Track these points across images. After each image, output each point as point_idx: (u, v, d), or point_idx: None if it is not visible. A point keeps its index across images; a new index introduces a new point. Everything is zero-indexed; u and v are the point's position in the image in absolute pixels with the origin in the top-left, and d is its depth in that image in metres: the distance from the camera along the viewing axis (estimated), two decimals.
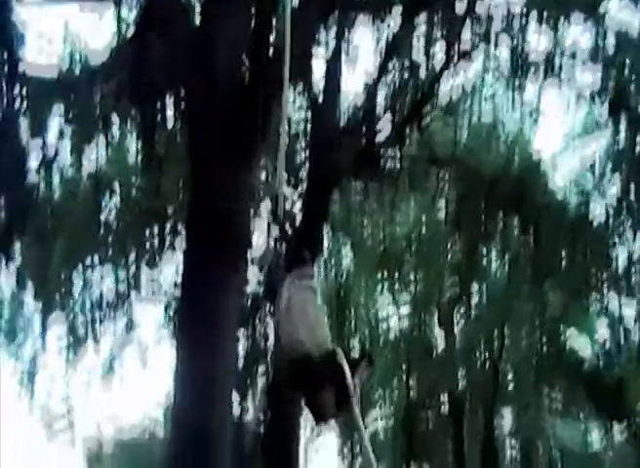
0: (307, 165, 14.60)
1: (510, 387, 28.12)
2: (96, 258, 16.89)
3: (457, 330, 26.50)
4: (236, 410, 15.46)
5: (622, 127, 15.90)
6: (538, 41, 15.55)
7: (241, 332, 17.57)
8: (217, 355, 7.56)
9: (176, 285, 14.77)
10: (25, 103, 11.47)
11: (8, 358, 16.26)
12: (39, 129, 11.87)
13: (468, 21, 14.52)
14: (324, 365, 3.44)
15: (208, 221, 8.04)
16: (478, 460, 27.14)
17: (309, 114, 12.95)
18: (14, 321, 16.13)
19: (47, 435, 16.80)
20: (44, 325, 16.42)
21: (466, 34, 14.60)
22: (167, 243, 17.41)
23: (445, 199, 18.50)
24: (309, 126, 12.84)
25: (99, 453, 16.56)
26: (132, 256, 17.45)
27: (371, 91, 13.96)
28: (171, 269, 17.11)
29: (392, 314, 26.43)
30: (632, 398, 23.61)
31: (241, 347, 17.67)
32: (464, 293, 26.17)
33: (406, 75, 14.36)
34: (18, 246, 14.99)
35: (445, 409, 28.41)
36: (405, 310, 26.92)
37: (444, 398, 27.96)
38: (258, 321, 18.17)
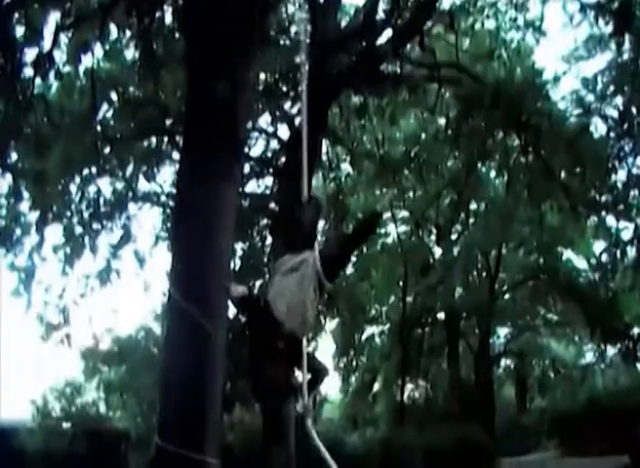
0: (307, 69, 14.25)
1: (506, 304, 28.45)
2: (93, 169, 16.66)
3: (454, 246, 26.62)
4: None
5: (626, 45, 15.43)
6: None
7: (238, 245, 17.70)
8: (211, 258, 7.53)
9: (171, 194, 14.71)
10: None
11: (5, 267, 16.32)
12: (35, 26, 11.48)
13: None
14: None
15: (204, 125, 7.89)
16: (472, 375, 27.73)
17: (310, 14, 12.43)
18: (10, 231, 16.06)
19: (43, 338, 17.01)
20: (41, 235, 16.41)
21: None
22: (164, 154, 17.34)
23: (445, 115, 18.22)
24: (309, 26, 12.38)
25: (94, 351, 16.87)
26: (129, 167, 17.33)
27: None
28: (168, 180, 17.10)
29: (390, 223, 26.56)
30: (625, 313, 23.92)
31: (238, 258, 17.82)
32: (462, 210, 26.21)
33: None
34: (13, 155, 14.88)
35: (441, 325, 28.85)
36: (403, 227, 27.12)
37: (440, 314, 28.37)
38: (255, 233, 18.18)
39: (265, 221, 18.04)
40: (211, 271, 7.30)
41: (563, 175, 17.47)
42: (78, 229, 17.01)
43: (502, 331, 30.65)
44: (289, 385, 4.07)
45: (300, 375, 4.19)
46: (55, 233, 17.08)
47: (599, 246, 23.83)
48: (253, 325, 4.24)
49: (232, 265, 17.24)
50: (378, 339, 29.97)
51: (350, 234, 14.69)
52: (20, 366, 23.78)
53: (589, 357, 30.33)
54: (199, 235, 7.38)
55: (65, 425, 14.32)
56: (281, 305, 4.08)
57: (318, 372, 4.36)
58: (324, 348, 27.62)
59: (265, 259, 17.39)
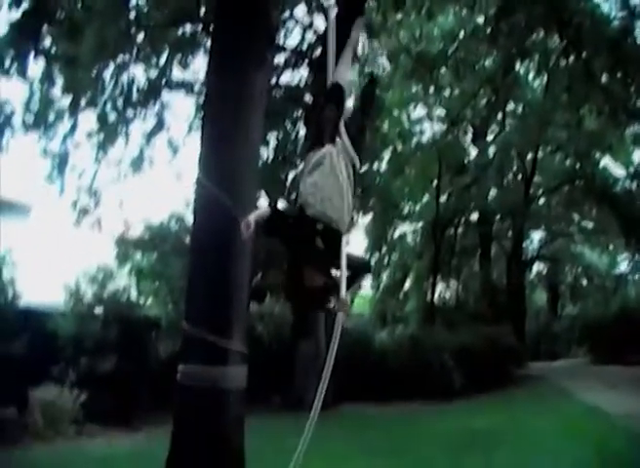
0: None
1: (540, 209, 27.99)
2: (127, 56, 16.22)
3: (490, 147, 26.03)
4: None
5: None
6: None
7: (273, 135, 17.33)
8: (241, 145, 7.25)
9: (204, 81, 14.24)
10: None
11: (38, 153, 16.14)
12: None
13: None
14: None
15: (235, 11, 7.48)
16: (504, 279, 27.56)
17: None
18: (44, 115, 15.76)
19: (76, 223, 17.03)
20: (74, 120, 16.14)
21: None
22: (199, 43, 16.82)
23: (484, 12, 17.25)
24: None
25: (126, 238, 16.89)
26: (163, 55, 16.88)
27: None
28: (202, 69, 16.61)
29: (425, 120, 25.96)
30: None
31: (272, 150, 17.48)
32: (499, 110, 25.50)
33: None
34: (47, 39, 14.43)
35: (474, 226, 28.53)
36: (438, 125, 26.60)
37: (473, 215, 28.00)
38: (289, 124, 17.75)
39: (300, 113, 17.58)
40: (241, 158, 7.20)
41: (604, 78, 16.71)
42: (112, 116, 16.66)
43: (536, 236, 30.46)
44: (328, 291, 3.84)
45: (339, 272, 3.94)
46: (88, 119, 17.07)
47: (638, 155, 23.20)
48: (288, 236, 3.80)
49: (266, 156, 16.95)
50: (410, 238, 29.85)
51: None
52: (53, 251, 24.13)
53: (623, 267, 30.03)
54: (229, 121, 7.22)
55: (97, 310, 14.37)
56: (314, 202, 3.85)
57: (359, 269, 4.12)
58: (356, 244, 27.61)
59: (299, 151, 17.03)
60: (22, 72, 14.05)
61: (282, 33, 17.61)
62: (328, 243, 3.83)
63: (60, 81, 15.68)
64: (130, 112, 17.06)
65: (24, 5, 12.81)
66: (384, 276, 29.60)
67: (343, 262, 3.91)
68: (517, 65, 20.74)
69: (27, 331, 12.87)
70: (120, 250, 16.96)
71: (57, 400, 12.40)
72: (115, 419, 13.17)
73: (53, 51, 15.00)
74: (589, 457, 9.03)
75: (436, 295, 26.67)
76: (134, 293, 15.99)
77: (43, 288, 17.07)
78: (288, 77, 18.46)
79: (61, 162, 16.41)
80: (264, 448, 8.80)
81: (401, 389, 16.41)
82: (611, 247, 29.76)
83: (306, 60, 17.44)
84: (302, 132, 17.40)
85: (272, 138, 17.93)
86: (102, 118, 16.58)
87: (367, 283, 27.68)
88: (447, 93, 24.73)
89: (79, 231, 17.31)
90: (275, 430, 12.43)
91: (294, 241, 3.87)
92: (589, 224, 28.74)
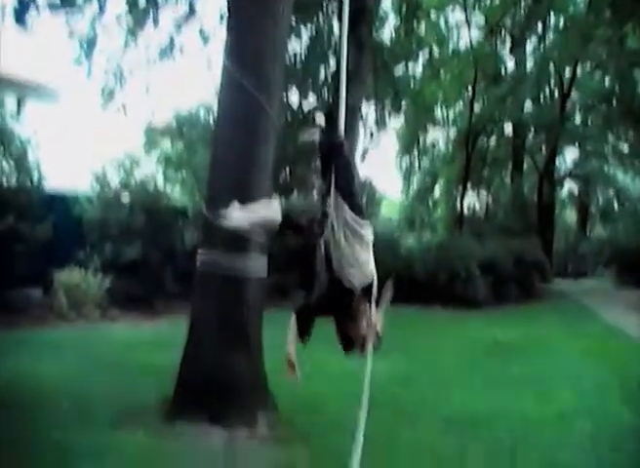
0: None
1: (576, 127, 27.18)
2: None
3: (527, 59, 25.08)
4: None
5: None
6: None
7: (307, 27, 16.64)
8: (268, 31, 6.81)
9: None
10: None
11: (65, 35, 15.57)
12: None
13: None
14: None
15: None
16: (535, 195, 27.05)
17: None
18: None
19: (103, 108, 16.64)
20: (103, 1, 15.46)
21: None
22: None
23: None
24: None
25: (154, 125, 16.57)
26: None
27: None
28: None
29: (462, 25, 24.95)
30: None
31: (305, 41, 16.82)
32: (540, 21, 24.39)
33: None
34: None
35: (507, 139, 27.83)
36: (476, 32, 25.68)
37: (507, 127, 27.27)
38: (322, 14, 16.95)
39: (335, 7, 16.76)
40: (267, 46, 6.86)
41: None
42: (142, 0, 15.94)
43: (569, 154, 29.61)
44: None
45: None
46: (117, 2, 16.30)
47: None
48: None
49: (299, 49, 16.26)
50: (442, 144, 29.19)
51: None
52: (80, 136, 23.92)
53: None
54: (256, 8, 6.83)
55: (123, 197, 14.20)
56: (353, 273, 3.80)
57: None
58: (387, 147, 27.12)
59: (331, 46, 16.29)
60: None
61: None
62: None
63: None
64: None
65: None
66: (414, 181, 29.18)
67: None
68: None
69: (53, 215, 12.81)
70: (148, 137, 16.62)
71: (81, 283, 12.43)
72: (139, 305, 13.27)
73: None
74: (609, 378, 8.90)
75: (465, 205, 26.33)
76: (160, 182, 15.73)
77: (69, 173, 16.90)
78: None
79: (89, 45, 15.85)
80: (282, 340, 8.74)
81: (426, 295, 16.33)
82: None
83: None
84: (336, 27, 16.60)
85: (305, 34, 17.20)
86: (132, 1, 15.87)
87: (396, 187, 27.40)
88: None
89: (107, 118, 16.98)
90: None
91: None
92: (624, 147, 27.89)
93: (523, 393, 8.04)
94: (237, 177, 6.53)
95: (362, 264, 3.80)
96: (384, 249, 17.23)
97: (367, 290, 3.80)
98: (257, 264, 6.62)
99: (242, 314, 6.52)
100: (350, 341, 3.83)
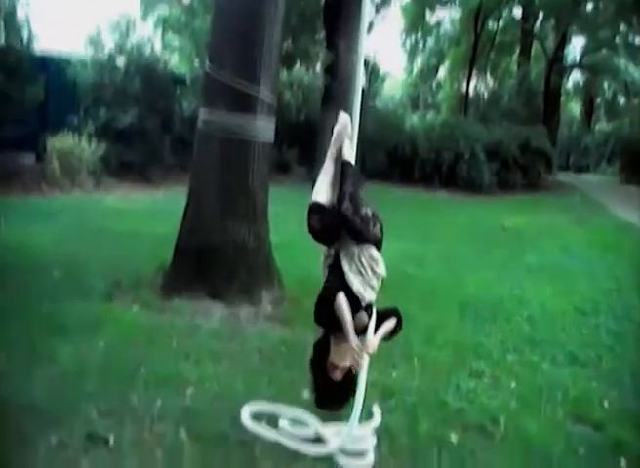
0: None
1: (588, 13, 25.66)
2: None
3: None
4: None
5: None
6: None
7: None
8: None
9: None
10: None
11: None
12: None
13: None
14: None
15: None
16: (542, 83, 25.93)
17: None
18: None
19: None
20: None
21: None
22: None
23: None
24: None
25: None
26: None
27: None
28: None
29: None
30: None
31: None
32: None
33: None
34: None
35: (516, 23, 26.41)
36: None
37: (517, 10, 25.84)
38: None
39: None
40: None
41: None
42: None
43: (579, 43, 28.21)
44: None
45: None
46: None
47: None
48: None
49: None
50: (448, 25, 27.68)
51: None
52: None
53: None
54: None
55: (119, 61, 13.17)
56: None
57: (388, 314, 3.54)
58: (392, 27, 25.67)
59: None
60: None
61: None
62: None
63: None
64: None
65: None
66: (418, 61, 27.90)
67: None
68: None
69: (45, 78, 12.05)
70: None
71: (74, 149, 11.74)
72: (134, 175, 12.68)
73: None
74: (626, 273, 8.39)
75: (471, 87, 25.22)
76: (158, 47, 14.61)
77: (63, 34, 15.75)
78: None
79: None
80: (287, 215, 8.17)
81: (430, 176, 15.70)
82: None
83: None
84: None
85: None
86: None
87: (400, 65, 26.14)
88: None
89: None
90: (298, 200, 11.85)
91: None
92: (636, 39, 26.44)
93: (539, 284, 7.54)
94: (243, 29, 5.69)
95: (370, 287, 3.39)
96: (388, 124, 16.49)
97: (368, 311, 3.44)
98: (264, 127, 5.88)
99: (246, 180, 5.82)
100: (327, 382, 3.39)
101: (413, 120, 18.50)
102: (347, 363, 3.35)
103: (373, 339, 3.35)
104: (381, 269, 3.43)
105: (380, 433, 3.63)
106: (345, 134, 3.72)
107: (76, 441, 3.29)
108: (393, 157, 16.25)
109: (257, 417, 3.67)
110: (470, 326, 5.83)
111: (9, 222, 8.31)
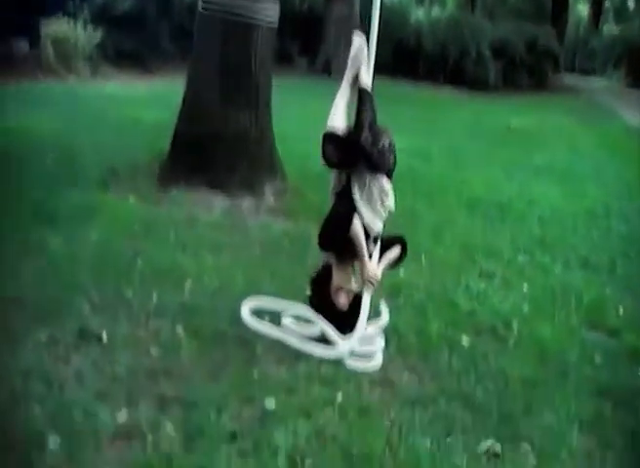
0: None
1: None
2: None
3: None
4: None
5: None
6: None
7: None
8: None
9: None
10: None
11: None
12: None
13: None
14: None
15: None
16: None
17: None
18: None
19: None
20: None
21: None
22: None
23: None
24: None
25: None
26: None
27: None
28: None
29: None
30: None
31: None
32: None
33: None
34: None
35: None
36: None
37: None
38: None
39: None
40: None
41: None
42: None
43: None
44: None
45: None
46: None
47: None
48: None
49: None
50: None
51: None
52: None
53: None
54: None
55: None
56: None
57: (394, 241, 3.43)
58: None
59: None
60: None
61: None
62: None
63: None
64: None
65: None
66: None
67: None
68: None
69: None
70: None
71: (70, 35, 11.10)
72: (131, 63, 12.05)
73: None
74: (631, 173, 8.05)
75: None
76: None
77: None
78: None
79: None
80: (288, 105, 7.75)
81: (436, 72, 15.06)
82: None
83: None
84: None
85: None
86: None
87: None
88: None
89: None
90: (301, 92, 11.40)
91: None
92: None
93: (548, 184, 7.21)
94: None
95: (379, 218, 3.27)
96: (393, 18, 15.66)
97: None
98: (269, 9, 5.35)
99: (249, 66, 5.36)
100: (332, 311, 3.30)
101: (418, 15, 17.62)
102: (352, 286, 3.26)
103: (377, 268, 3.25)
104: (391, 202, 3.28)
105: (389, 333, 3.39)
106: (361, 57, 3.42)
107: (67, 337, 3.01)
108: (399, 52, 15.54)
109: (258, 314, 3.41)
110: (479, 225, 5.53)
111: (2, 109, 7.83)
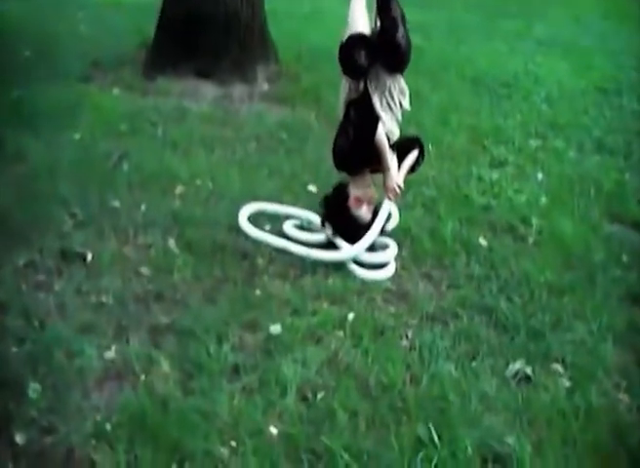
0: None
1: None
2: None
3: None
4: None
5: None
6: None
7: None
8: None
9: None
10: None
11: None
12: None
13: None
14: None
15: None
16: None
17: None
18: None
19: None
20: None
21: None
22: None
23: None
24: None
25: None
26: None
27: None
28: None
29: None
30: None
31: None
32: None
33: None
34: None
35: None
36: None
37: None
38: None
39: None
40: None
41: None
42: None
43: None
44: None
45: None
46: None
47: None
48: None
49: None
50: None
51: None
52: None
53: None
54: None
55: None
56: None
57: (411, 144, 3.04)
58: None
59: None
60: None
61: None
62: None
63: None
64: None
65: None
66: None
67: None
68: None
69: None
70: None
71: None
72: None
73: None
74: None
75: None
76: None
77: None
78: None
79: None
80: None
81: None
82: None
83: None
84: None
85: None
86: None
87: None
88: None
89: None
90: None
91: None
92: None
93: (553, 59, 6.60)
94: None
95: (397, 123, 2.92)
96: None
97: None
98: None
99: None
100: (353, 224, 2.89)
101: None
102: (373, 195, 2.89)
103: (398, 176, 2.87)
104: (407, 102, 2.95)
105: (400, 236, 2.99)
106: None
107: (48, 259, 2.59)
108: None
109: (257, 220, 2.99)
110: (486, 106, 5.01)
111: None
